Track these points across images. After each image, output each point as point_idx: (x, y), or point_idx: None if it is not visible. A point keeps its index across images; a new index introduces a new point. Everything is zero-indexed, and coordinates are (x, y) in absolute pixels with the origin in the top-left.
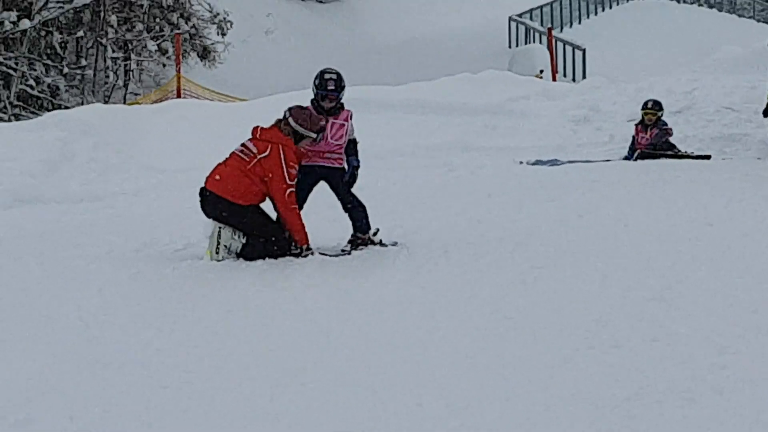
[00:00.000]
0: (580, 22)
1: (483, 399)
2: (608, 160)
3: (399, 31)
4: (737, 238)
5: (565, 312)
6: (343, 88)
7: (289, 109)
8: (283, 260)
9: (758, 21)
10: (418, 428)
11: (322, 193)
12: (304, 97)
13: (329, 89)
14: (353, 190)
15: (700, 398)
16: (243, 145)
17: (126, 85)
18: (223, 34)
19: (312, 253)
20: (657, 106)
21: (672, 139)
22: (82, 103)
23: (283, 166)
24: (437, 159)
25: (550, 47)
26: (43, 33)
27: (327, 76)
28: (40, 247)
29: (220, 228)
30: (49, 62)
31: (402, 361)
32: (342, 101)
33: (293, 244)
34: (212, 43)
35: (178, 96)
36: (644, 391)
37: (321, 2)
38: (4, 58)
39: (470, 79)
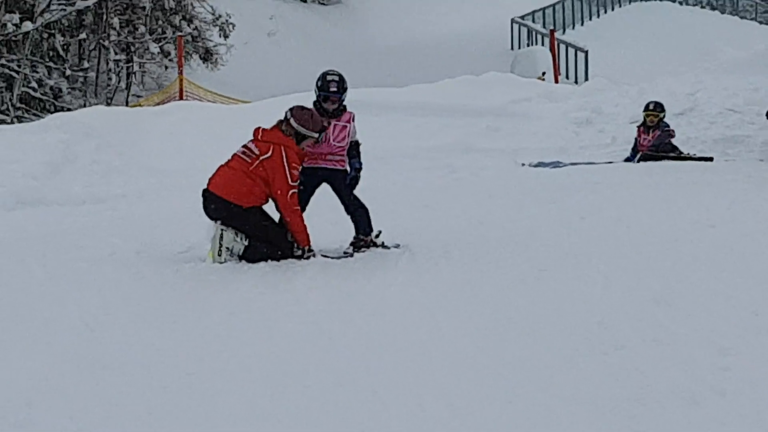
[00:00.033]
0: (582, 24)
1: (484, 400)
2: (610, 162)
3: (401, 32)
4: (739, 240)
5: (566, 313)
6: (345, 89)
7: (290, 110)
8: (285, 262)
9: (760, 23)
10: (419, 430)
11: (324, 195)
12: (307, 99)
13: (331, 91)
14: (355, 192)
15: (701, 399)
16: (245, 146)
17: (128, 88)
18: (226, 36)
19: (314, 255)
20: (659, 107)
21: (674, 141)
22: (85, 106)
23: (286, 167)
24: (439, 161)
25: (552, 49)
26: (45, 35)
27: (329, 77)
28: (43, 249)
29: (222, 230)
30: (51, 64)
31: (403, 363)
32: (344, 103)
33: (295, 246)
34: (214, 45)
35: (181, 98)
36: (646, 393)
37: (323, 4)
38: (7, 61)
39: (472, 81)
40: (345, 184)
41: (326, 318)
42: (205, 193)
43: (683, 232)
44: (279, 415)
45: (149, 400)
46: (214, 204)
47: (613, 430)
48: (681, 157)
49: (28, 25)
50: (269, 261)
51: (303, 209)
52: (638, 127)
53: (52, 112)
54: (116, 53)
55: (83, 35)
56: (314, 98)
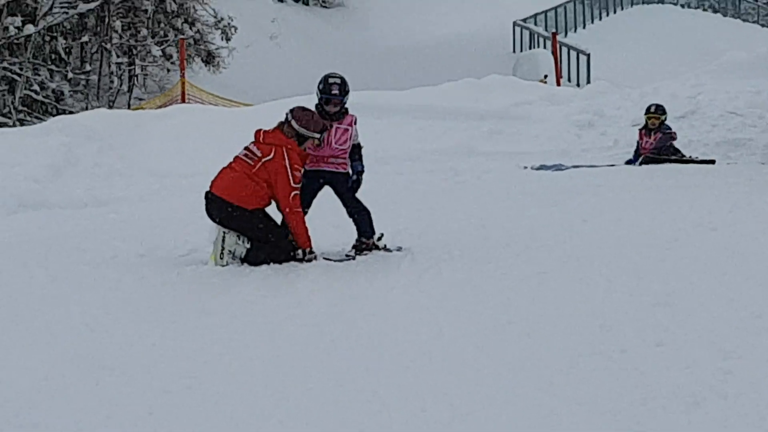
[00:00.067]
0: (584, 27)
1: (487, 404)
2: (612, 165)
3: (403, 35)
4: (741, 243)
5: (568, 315)
6: (347, 92)
7: (291, 111)
8: (287, 265)
9: (762, 26)
10: (420, 431)
11: (326, 198)
12: (309, 102)
13: (333, 94)
14: (358, 195)
15: (704, 403)
16: (246, 148)
17: (130, 91)
18: (228, 39)
19: (315, 257)
20: (660, 110)
21: (676, 144)
22: (87, 108)
23: (288, 168)
24: (441, 164)
25: (554, 52)
26: (47, 38)
27: (331, 80)
28: (45, 252)
29: (224, 233)
30: (53, 67)
31: (405, 365)
32: (346, 106)
33: (297, 248)
34: (216, 48)
35: (183, 101)
36: (649, 396)
37: (325, 7)
38: (9, 64)
39: (474, 83)
40: (347, 187)
41: (328, 320)
42: (208, 196)
43: (685, 234)
44: (281, 417)
45: (150, 402)
46: (217, 206)
47: None
48: (683, 159)
49: (30, 28)
50: (271, 264)
51: (305, 212)
52: (640, 130)
53: (54, 115)
54: (118, 56)
55: (85, 38)
56: (316, 101)
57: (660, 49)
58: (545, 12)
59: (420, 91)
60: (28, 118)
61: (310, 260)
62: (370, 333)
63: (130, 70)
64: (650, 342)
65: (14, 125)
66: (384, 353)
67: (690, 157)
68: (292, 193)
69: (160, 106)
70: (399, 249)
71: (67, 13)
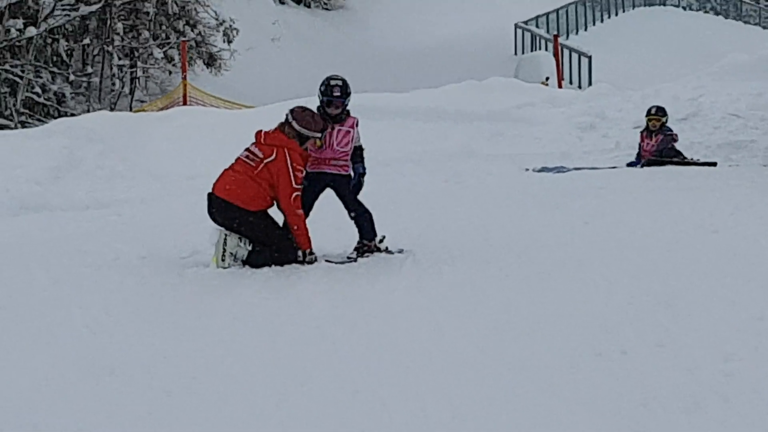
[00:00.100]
0: (586, 29)
1: (488, 406)
2: (614, 167)
3: (405, 37)
4: (743, 245)
5: (569, 317)
6: (348, 94)
7: (291, 112)
8: (288, 267)
9: (764, 28)
10: None
11: (328, 200)
12: (311, 104)
13: (335, 95)
14: (359, 197)
15: (705, 405)
16: (248, 150)
17: (132, 93)
18: (229, 42)
19: (315, 258)
20: (661, 111)
21: (678, 146)
22: (88, 111)
23: (290, 169)
24: (443, 166)
25: (556, 54)
26: (49, 40)
27: (333, 82)
28: (46, 254)
29: (225, 235)
30: (55, 70)
31: (406, 366)
32: (348, 108)
33: (299, 251)
34: (218, 51)
35: (184, 103)
36: (649, 397)
37: (327, 10)
38: (11, 66)
39: (476, 86)
40: (348, 189)
41: (330, 323)
42: (211, 197)
43: (686, 236)
44: (281, 418)
45: (152, 404)
46: (220, 208)
47: None
48: (684, 162)
49: (32, 30)
50: (273, 266)
51: (307, 214)
52: (641, 132)
53: (55, 118)
54: (120, 58)
55: (87, 40)
56: (318, 103)
57: (661, 51)
58: (547, 14)
59: (421, 93)
60: (30, 121)
61: (310, 262)
62: (372, 334)
63: (131, 73)
64: (651, 343)
65: (16, 128)
66: (385, 354)
67: (691, 159)
68: (294, 194)
69: (161, 109)
70: (400, 251)
71: (68, 15)
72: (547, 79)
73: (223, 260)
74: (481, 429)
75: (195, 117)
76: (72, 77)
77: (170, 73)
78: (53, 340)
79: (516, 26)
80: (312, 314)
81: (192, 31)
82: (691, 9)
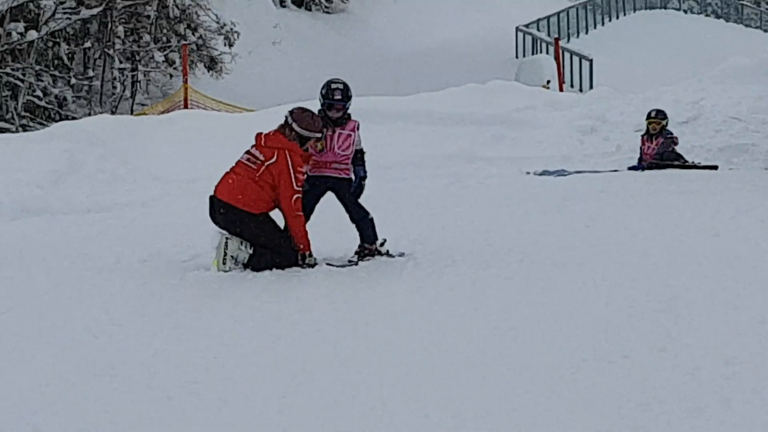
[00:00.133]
0: (587, 33)
1: (490, 409)
2: (615, 171)
3: (406, 41)
4: (744, 249)
5: (572, 322)
6: (349, 97)
7: (291, 114)
8: (289, 271)
9: (765, 31)
10: None
11: (329, 203)
12: (311, 107)
13: (336, 99)
14: (360, 200)
15: (707, 409)
16: (248, 152)
17: (133, 96)
18: (230, 45)
19: (314, 260)
20: (661, 114)
21: (679, 150)
22: (90, 114)
23: (291, 171)
24: (444, 169)
25: (557, 57)
26: (50, 44)
27: (333, 85)
28: (47, 258)
29: (227, 238)
30: (56, 73)
31: (408, 370)
32: (349, 111)
33: (299, 255)
34: (219, 54)
35: (185, 107)
36: (651, 402)
37: (328, 13)
38: (12, 69)
39: (477, 89)
40: (349, 193)
41: (331, 326)
42: (213, 200)
43: (688, 240)
44: (283, 422)
45: (154, 408)
46: (223, 210)
47: None
48: (686, 165)
49: (33, 34)
50: (274, 269)
51: (308, 217)
52: (642, 136)
53: (56, 121)
54: (121, 62)
55: (88, 44)
56: (319, 106)
57: (663, 54)
58: (548, 17)
59: (422, 96)
60: (31, 124)
61: (309, 264)
62: (373, 337)
63: (132, 76)
64: (653, 347)
65: (17, 131)
66: (386, 357)
67: (693, 162)
68: (294, 196)
69: (162, 112)
70: (401, 254)
71: (69, 18)
72: (548, 82)
73: (224, 263)
74: (482, 430)
75: (196, 120)
76: (73, 81)
77: (171, 76)
78: (54, 342)
79: (517, 29)
80: (313, 317)
81: (193, 34)
82: (692, 12)
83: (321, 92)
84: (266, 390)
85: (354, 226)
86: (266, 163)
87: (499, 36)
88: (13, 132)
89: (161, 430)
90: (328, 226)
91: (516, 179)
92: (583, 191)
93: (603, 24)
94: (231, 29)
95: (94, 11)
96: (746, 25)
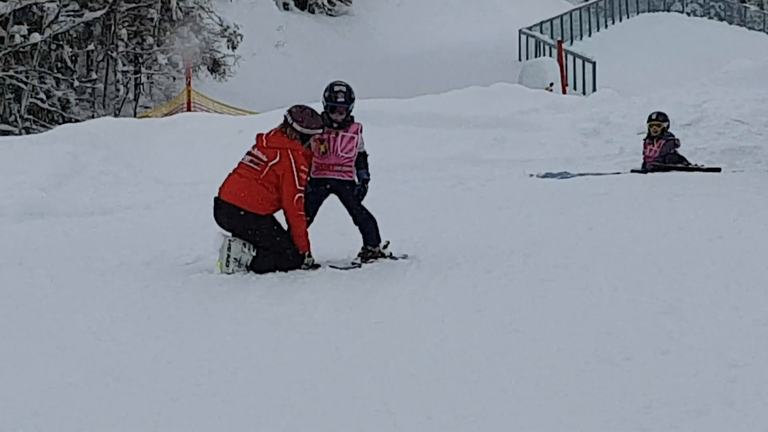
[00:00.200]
0: (590, 35)
1: (493, 412)
2: (618, 173)
3: (409, 44)
4: (747, 251)
5: (575, 324)
6: (352, 100)
7: (290, 113)
8: (293, 273)
9: None
10: None
11: (332, 205)
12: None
13: (339, 101)
14: (363, 202)
15: (711, 411)
16: (250, 154)
17: (136, 99)
18: (234, 48)
19: (313, 261)
20: (661, 117)
21: (682, 152)
22: (93, 117)
23: (294, 170)
24: (447, 172)
25: (560, 60)
26: (53, 46)
27: (337, 88)
28: (51, 260)
29: (230, 241)
30: (59, 75)
31: (411, 373)
32: (352, 114)
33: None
34: (222, 57)
35: (189, 109)
36: (654, 404)
37: (331, 15)
38: (15, 72)
39: (480, 91)
40: (353, 195)
41: (334, 328)
42: (217, 202)
43: (691, 242)
44: (286, 424)
45: (157, 410)
46: (228, 212)
47: None
48: (689, 168)
49: (36, 37)
50: (277, 272)
51: (311, 220)
52: (644, 139)
53: (60, 124)
54: (124, 64)
55: (91, 46)
56: (322, 109)
57: (666, 57)
58: (551, 20)
59: (425, 99)
60: (34, 127)
61: (308, 264)
62: (376, 340)
63: (136, 79)
64: (656, 349)
65: (20, 133)
66: (389, 360)
67: (696, 165)
68: (297, 196)
69: (165, 114)
70: (404, 257)
71: (73, 21)
72: (551, 84)
73: (227, 266)
74: None
75: (199, 123)
76: (76, 83)
77: (174, 79)
78: (57, 344)
79: (520, 32)
80: (316, 320)
81: (196, 36)
82: (695, 15)
83: (324, 95)
84: (269, 392)
85: (357, 228)
86: (270, 164)
87: (502, 38)
88: (16, 134)
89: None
90: (331, 228)
91: (519, 182)
92: (586, 194)
93: (606, 26)
94: (234, 32)
95: (98, 14)
96: (749, 28)
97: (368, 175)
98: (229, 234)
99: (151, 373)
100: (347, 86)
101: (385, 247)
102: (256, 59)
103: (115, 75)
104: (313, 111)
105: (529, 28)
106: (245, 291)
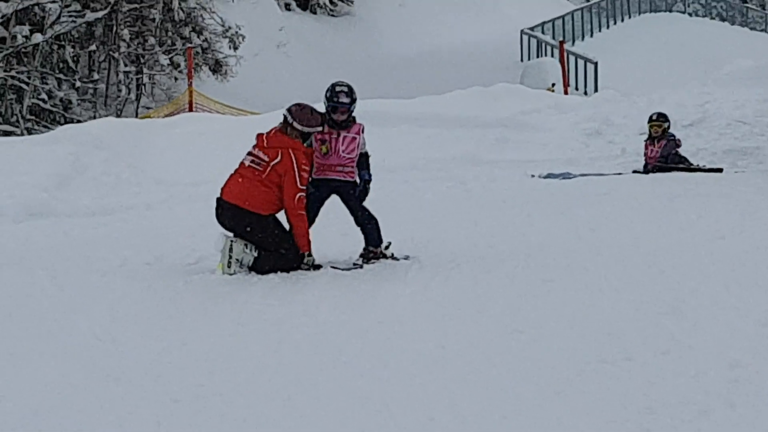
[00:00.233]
0: (591, 36)
1: (494, 413)
2: (620, 174)
3: (411, 44)
4: (749, 251)
5: (576, 324)
6: (354, 100)
7: (289, 113)
8: (294, 274)
9: None
10: None
11: (334, 206)
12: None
13: (340, 101)
14: (365, 203)
15: (712, 412)
16: (251, 154)
17: (138, 99)
18: (235, 48)
19: (314, 260)
20: (662, 117)
21: (684, 153)
22: (95, 117)
23: (295, 169)
24: (449, 172)
25: (561, 60)
26: (55, 47)
27: (338, 88)
28: (52, 261)
29: (231, 242)
30: (61, 76)
31: (413, 374)
32: (354, 114)
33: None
34: (224, 57)
35: (190, 110)
36: (656, 405)
37: (333, 16)
38: (17, 72)
39: (482, 92)
40: (354, 196)
41: (335, 329)
42: (220, 202)
43: (693, 243)
44: (289, 426)
45: (159, 412)
46: (230, 213)
47: None
48: (691, 168)
49: (38, 37)
50: (279, 272)
51: (312, 220)
52: (645, 141)
53: (61, 124)
54: (126, 65)
55: (93, 47)
56: (323, 109)
57: (667, 57)
58: (553, 20)
59: (427, 99)
60: (36, 127)
61: (308, 263)
62: (377, 341)
63: (137, 79)
64: (657, 350)
65: (22, 134)
66: (391, 361)
67: (698, 165)
68: (298, 195)
69: (167, 115)
70: (406, 257)
71: (75, 21)
72: (553, 85)
73: (229, 266)
74: None
75: (201, 123)
76: (78, 84)
77: (176, 79)
78: (58, 345)
79: (522, 32)
80: (318, 320)
81: (198, 37)
82: (696, 15)
83: (326, 95)
84: (271, 393)
85: (359, 229)
86: (271, 164)
87: (504, 39)
88: (18, 135)
89: None
90: (333, 229)
91: (521, 182)
92: (588, 194)
93: (608, 27)
94: (236, 32)
95: (99, 14)
96: (751, 28)
97: (370, 175)
98: (231, 235)
99: (152, 374)
100: (349, 86)
101: (386, 247)
102: (257, 60)
103: (117, 75)
104: (312, 108)
105: (531, 29)
106: (247, 292)
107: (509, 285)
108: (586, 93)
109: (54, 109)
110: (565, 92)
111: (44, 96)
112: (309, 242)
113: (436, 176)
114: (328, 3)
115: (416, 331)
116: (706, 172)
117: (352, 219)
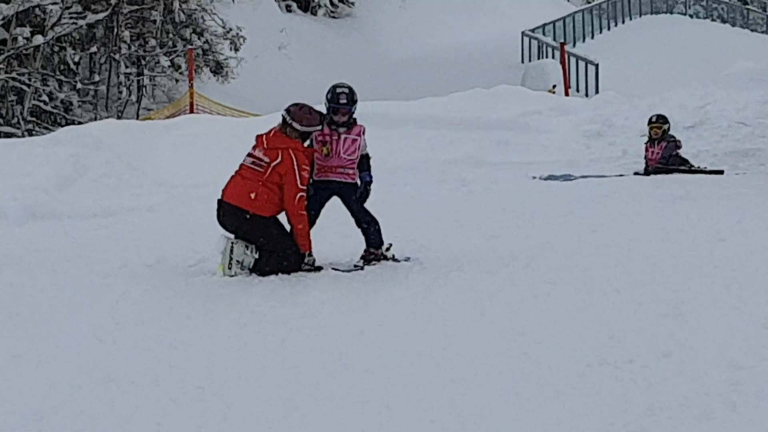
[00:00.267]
0: (593, 37)
1: (496, 414)
2: (621, 175)
3: (412, 45)
4: (750, 253)
5: (578, 327)
6: (355, 102)
7: (288, 113)
8: (295, 275)
9: None
10: None
11: (334, 208)
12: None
13: (341, 103)
14: (366, 205)
15: (713, 414)
16: (252, 156)
17: (139, 101)
18: (236, 50)
19: (315, 260)
20: (662, 119)
21: (685, 154)
22: (96, 119)
23: (296, 169)
24: (450, 174)
25: (562, 62)
26: (56, 49)
27: (339, 90)
28: (53, 263)
29: (232, 243)
30: (62, 78)
31: (414, 377)
32: (354, 116)
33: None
34: (225, 59)
35: (191, 111)
36: (657, 407)
37: (334, 17)
38: (18, 74)
39: (483, 94)
40: (355, 198)
41: (336, 330)
42: (221, 204)
43: (694, 245)
44: (289, 427)
45: (160, 414)
46: (232, 214)
47: None
48: (692, 170)
49: (39, 39)
50: (279, 274)
51: (313, 222)
52: (645, 143)
53: (62, 126)
54: (127, 67)
55: (94, 49)
56: (324, 111)
57: (668, 59)
58: (554, 22)
59: (428, 101)
60: (37, 129)
61: (309, 263)
62: (378, 342)
63: (138, 81)
64: (658, 352)
65: (23, 136)
66: (392, 363)
67: (698, 167)
68: (298, 195)
69: (168, 117)
70: (407, 259)
71: (75, 23)
72: (554, 86)
73: (229, 268)
74: None
75: (202, 125)
76: (79, 85)
77: (177, 81)
78: (59, 347)
79: (523, 34)
80: (319, 322)
81: (199, 39)
82: (697, 17)
83: (326, 97)
84: (271, 395)
85: (360, 230)
86: (272, 165)
87: (505, 41)
88: (19, 137)
89: None
90: (334, 230)
91: (522, 184)
92: (589, 196)
93: (609, 29)
94: (237, 34)
95: (100, 16)
96: (752, 30)
97: (371, 177)
98: (232, 236)
99: (153, 376)
100: (350, 88)
101: (387, 249)
102: (258, 61)
103: (118, 77)
104: (310, 108)
105: (532, 30)
106: (248, 293)
107: (510, 286)
108: (587, 95)
109: (55, 111)
110: (566, 94)
111: (45, 98)
112: (310, 242)
113: (437, 178)
114: (328, 4)
115: (417, 332)
116: (707, 174)
117: (353, 221)
